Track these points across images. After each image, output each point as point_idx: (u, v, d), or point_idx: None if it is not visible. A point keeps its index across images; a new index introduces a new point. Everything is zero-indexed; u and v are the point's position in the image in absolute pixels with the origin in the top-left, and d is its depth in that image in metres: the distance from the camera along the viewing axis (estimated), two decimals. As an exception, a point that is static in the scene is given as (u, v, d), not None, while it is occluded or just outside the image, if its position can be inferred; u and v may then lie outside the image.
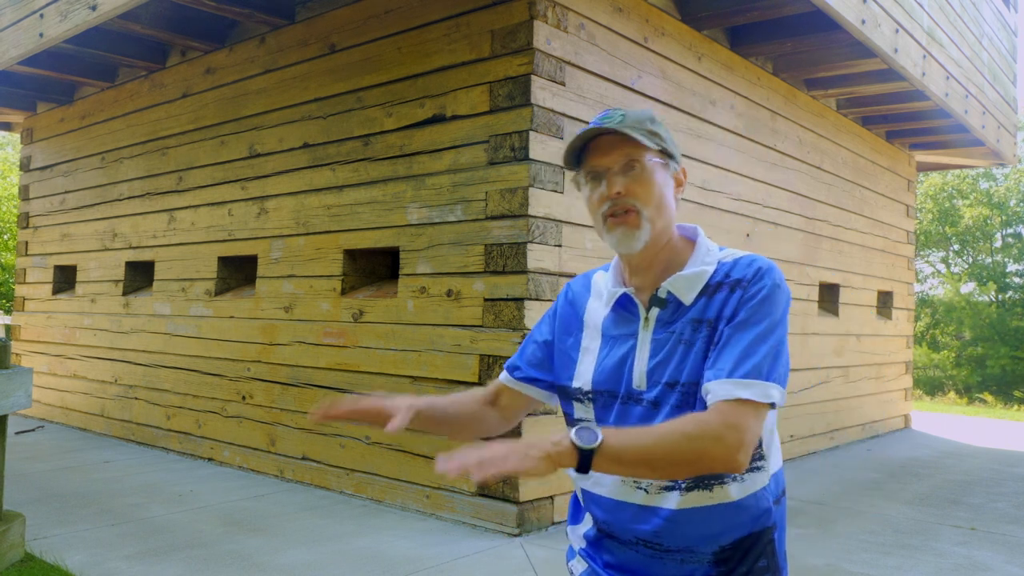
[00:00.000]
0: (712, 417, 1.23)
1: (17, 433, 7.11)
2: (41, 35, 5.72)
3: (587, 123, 4.77)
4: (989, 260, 23.03)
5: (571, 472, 1.32)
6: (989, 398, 16.57)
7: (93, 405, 7.34)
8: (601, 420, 1.43)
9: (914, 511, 5.16)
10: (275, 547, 3.99)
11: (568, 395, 1.50)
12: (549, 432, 1.32)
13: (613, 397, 1.41)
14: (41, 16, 5.70)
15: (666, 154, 1.42)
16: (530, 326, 4.29)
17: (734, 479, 1.35)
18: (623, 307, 1.44)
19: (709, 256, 1.42)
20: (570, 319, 1.54)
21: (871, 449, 7.62)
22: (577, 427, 1.22)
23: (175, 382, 6.44)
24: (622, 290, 1.44)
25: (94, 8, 5.16)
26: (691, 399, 1.33)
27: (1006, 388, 19.07)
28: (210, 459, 6.08)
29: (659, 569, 1.39)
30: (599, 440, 1.19)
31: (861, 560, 4.05)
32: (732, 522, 1.36)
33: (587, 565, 1.50)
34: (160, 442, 6.55)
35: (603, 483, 1.42)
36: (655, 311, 1.40)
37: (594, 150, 1.40)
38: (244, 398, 5.83)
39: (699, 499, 1.35)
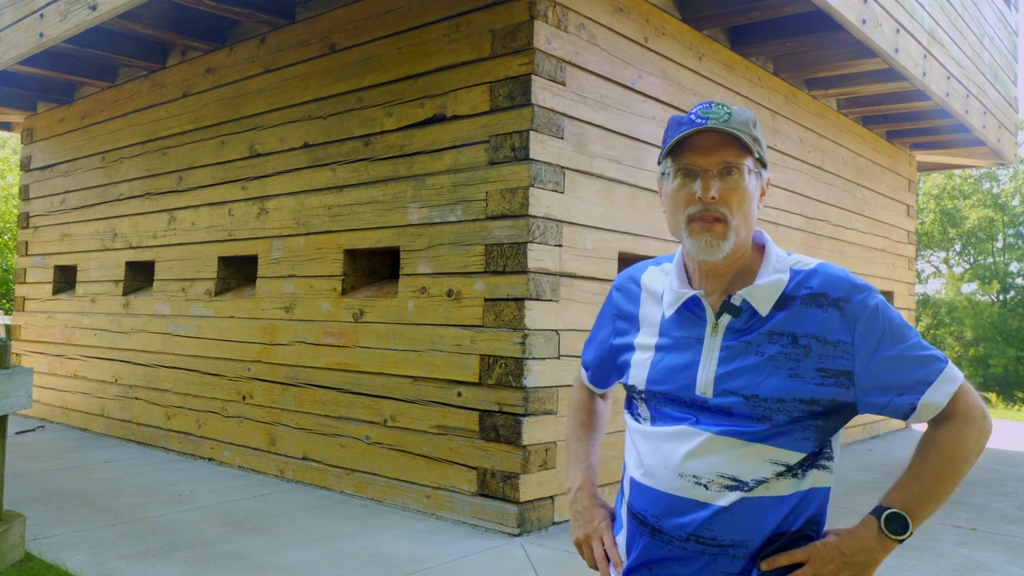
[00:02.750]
0: (963, 423, 1.31)
1: (17, 433, 7.11)
2: (41, 35, 5.72)
3: (588, 123, 4.77)
4: (991, 260, 23.01)
5: (631, 460, 1.49)
6: (993, 398, 16.55)
7: (93, 405, 7.34)
8: (657, 420, 1.41)
9: (915, 511, 5.15)
10: (275, 547, 3.99)
11: (626, 390, 1.51)
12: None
13: (671, 400, 1.38)
14: (41, 16, 5.70)
15: (761, 162, 1.37)
16: (530, 326, 4.28)
17: (794, 475, 1.32)
18: (688, 309, 1.40)
19: (780, 263, 1.37)
20: (626, 315, 1.52)
21: (872, 449, 7.61)
22: (886, 519, 1.30)
23: (175, 382, 6.44)
24: (691, 292, 1.38)
25: (94, 8, 5.16)
26: (773, 414, 1.30)
27: (1008, 389, 19.06)
28: (210, 459, 6.08)
29: (707, 568, 1.34)
30: (909, 530, 1.30)
31: (862, 560, 4.04)
32: (783, 517, 1.33)
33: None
34: (160, 442, 6.55)
35: (654, 474, 1.38)
36: (726, 318, 1.36)
37: (692, 146, 1.33)
38: (244, 398, 5.83)
39: (761, 492, 1.32)
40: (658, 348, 1.42)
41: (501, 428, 4.33)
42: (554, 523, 4.48)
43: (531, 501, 4.32)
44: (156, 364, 6.64)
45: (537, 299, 4.33)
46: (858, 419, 8.01)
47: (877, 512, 1.30)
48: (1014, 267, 22.37)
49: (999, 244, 23.11)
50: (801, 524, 1.35)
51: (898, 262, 8.98)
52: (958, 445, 1.30)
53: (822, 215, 7.30)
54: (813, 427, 1.31)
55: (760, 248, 1.41)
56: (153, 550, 3.90)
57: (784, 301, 1.33)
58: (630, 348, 1.48)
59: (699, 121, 1.32)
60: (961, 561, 4.09)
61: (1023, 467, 6.94)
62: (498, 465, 4.34)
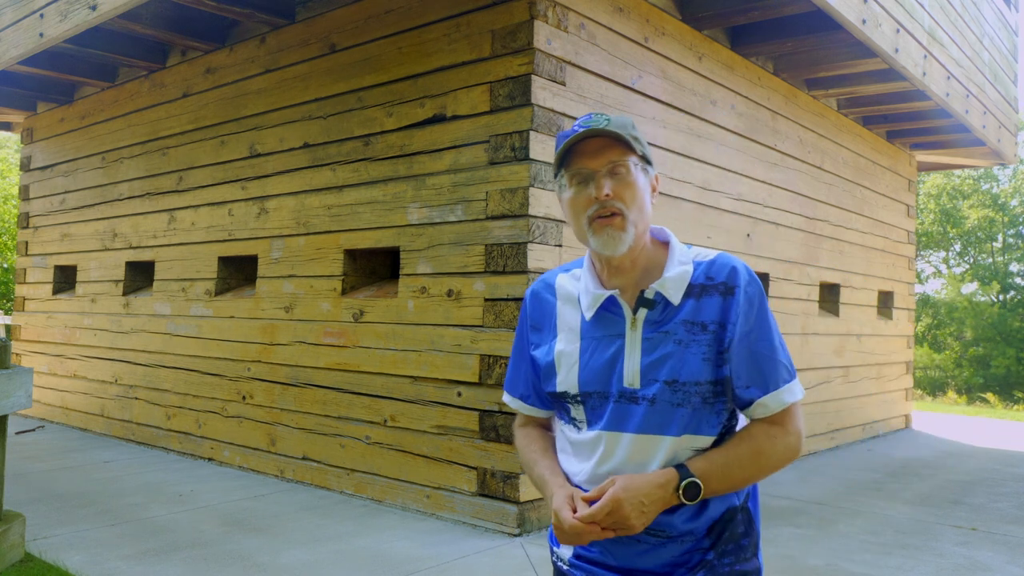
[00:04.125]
0: (781, 432, 1.43)
1: (17, 433, 7.11)
2: (41, 35, 5.72)
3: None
4: (990, 260, 23.02)
5: (569, 468, 1.51)
6: (992, 398, 16.56)
7: (93, 405, 7.34)
8: (593, 420, 1.46)
9: (915, 511, 5.15)
10: (275, 547, 3.99)
11: (556, 398, 1.53)
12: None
13: (604, 397, 1.45)
14: (41, 16, 5.70)
15: (645, 159, 1.47)
16: (530, 326, 4.28)
17: None
18: (606, 309, 1.47)
19: (683, 256, 1.47)
20: (543, 324, 1.57)
21: (872, 449, 7.61)
22: (686, 485, 1.36)
23: (175, 382, 6.44)
24: (608, 293, 1.46)
25: (94, 8, 5.16)
26: (691, 397, 1.40)
27: (1008, 389, 19.06)
28: (210, 459, 6.08)
29: (659, 556, 1.43)
30: (701, 490, 1.37)
31: (861, 560, 4.05)
32: (724, 496, 1.45)
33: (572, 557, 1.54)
34: (160, 442, 6.55)
35: (599, 480, 1.44)
36: (643, 312, 1.44)
37: (580, 153, 1.43)
38: (244, 398, 5.83)
39: None
40: (583, 350, 1.48)
41: (501, 428, 4.33)
42: (554, 523, 4.48)
43: (531, 501, 4.32)
44: (156, 364, 6.64)
45: (537, 299, 4.32)
46: (858, 419, 8.00)
47: (681, 473, 1.37)
48: (1014, 267, 22.37)
49: (999, 244, 23.11)
50: (742, 498, 1.48)
51: (898, 262, 8.98)
52: (768, 445, 1.42)
53: (822, 215, 7.30)
54: (720, 406, 1.43)
55: (664, 244, 1.51)
56: (153, 550, 3.90)
57: (691, 291, 1.43)
58: (550, 355, 1.52)
59: (580, 129, 1.42)
60: (961, 561, 4.09)
61: (1023, 467, 6.94)
62: (498, 465, 4.34)
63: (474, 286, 4.49)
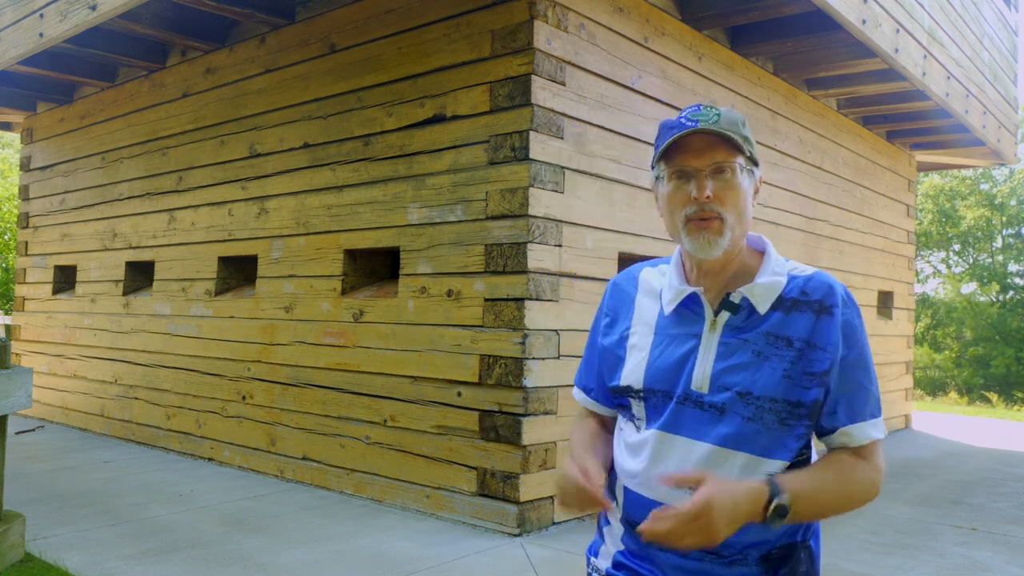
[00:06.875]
0: (866, 466, 1.34)
1: (17, 433, 7.11)
2: (41, 35, 5.72)
3: (588, 123, 4.77)
4: (990, 260, 23.03)
5: (625, 469, 1.45)
6: (993, 398, 16.57)
7: (93, 405, 7.34)
8: (652, 419, 1.40)
9: (915, 511, 5.15)
10: (275, 547, 3.99)
11: (619, 393, 1.47)
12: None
13: (668, 396, 1.38)
14: (41, 16, 5.70)
15: (752, 161, 1.39)
16: (530, 326, 4.29)
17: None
18: (686, 306, 1.41)
19: (779, 267, 1.40)
20: (618, 315, 1.51)
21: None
22: (776, 507, 1.23)
23: (175, 382, 6.44)
24: (691, 289, 1.40)
25: (94, 8, 5.16)
26: (764, 413, 1.32)
27: (1008, 389, 19.07)
28: (210, 459, 6.07)
29: (707, 573, 1.37)
30: (788, 513, 1.24)
31: (861, 560, 4.05)
32: (783, 529, 1.35)
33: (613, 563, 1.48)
34: (160, 442, 6.55)
35: (651, 485, 1.38)
36: (725, 315, 1.37)
37: (684, 148, 1.35)
38: (244, 398, 5.83)
39: None
40: (655, 345, 1.42)
41: (501, 428, 4.33)
42: (554, 523, 4.48)
43: (531, 501, 4.32)
44: (156, 364, 6.64)
45: (537, 299, 4.33)
46: (858, 419, 8.00)
47: (772, 489, 1.25)
48: (1013, 267, 22.38)
49: (997, 244, 23.12)
50: (804, 534, 1.39)
51: (898, 262, 8.98)
52: (855, 476, 1.34)
53: (822, 215, 7.30)
54: (801, 430, 1.34)
55: (760, 253, 1.44)
56: (153, 550, 3.90)
57: (780, 303, 1.35)
58: (621, 347, 1.47)
59: (689, 124, 1.34)
60: (961, 561, 4.09)
61: (1023, 467, 6.94)
62: (498, 465, 4.34)
63: (474, 286, 4.49)
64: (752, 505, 1.23)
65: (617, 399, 1.49)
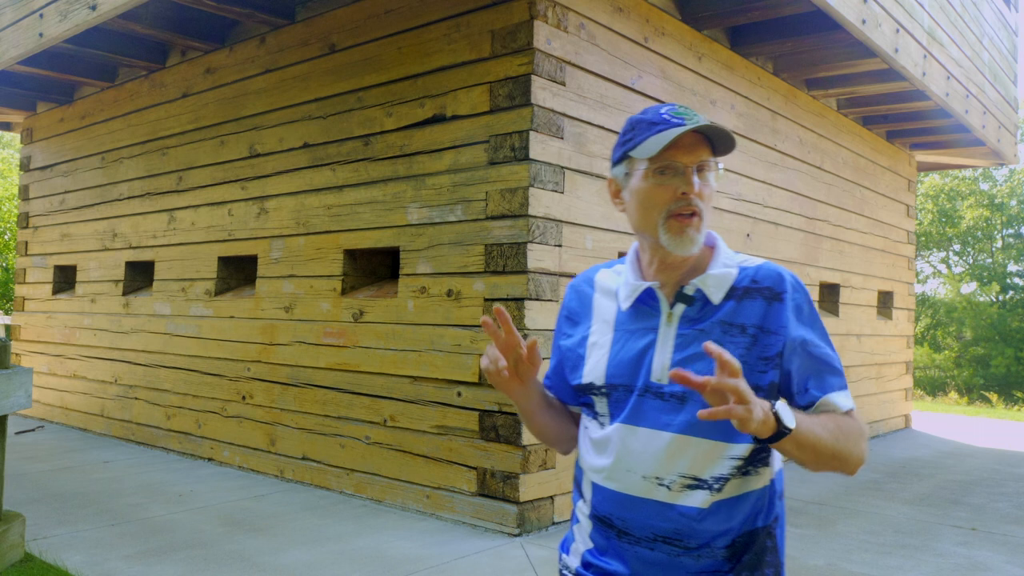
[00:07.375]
0: (855, 423, 1.36)
1: (17, 433, 7.11)
2: (41, 35, 5.72)
3: (588, 123, 4.76)
4: (990, 260, 23.03)
5: (591, 465, 1.48)
6: (993, 398, 16.57)
7: (93, 405, 7.34)
8: (615, 415, 1.43)
9: (914, 511, 5.16)
10: (275, 547, 3.99)
11: (582, 391, 1.50)
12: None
13: (628, 390, 1.42)
14: (41, 16, 5.70)
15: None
16: (530, 326, 4.29)
17: (746, 472, 1.38)
18: (643, 301, 1.45)
19: (729, 259, 1.45)
20: (578, 316, 1.55)
21: (872, 449, 7.61)
22: (779, 404, 1.24)
23: (175, 382, 6.44)
24: (646, 284, 1.44)
25: (94, 8, 5.16)
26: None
27: (1008, 389, 19.07)
28: (210, 459, 6.08)
29: (675, 568, 1.38)
30: (794, 425, 1.25)
31: (861, 560, 4.05)
32: (746, 516, 1.39)
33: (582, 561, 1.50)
34: (160, 442, 6.55)
35: (618, 478, 1.41)
36: (680, 307, 1.41)
37: (673, 144, 1.37)
38: (244, 398, 5.83)
39: (726, 493, 1.37)
40: (614, 342, 1.46)
41: (501, 428, 4.33)
42: (554, 523, 4.48)
43: (531, 501, 4.32)
44: (156, 364, 6.64)
45: (537, 299, 4.33)
46: (858, 419, 8.00)
47: (776, 408, 1.25)
48: (1012, 267, 22.38)
49: (997, 244, 23.12)
50: (766, 519, 1.42)
51: (898, 262, 8.98)
52: (847, 426, 1.34)
53: (822, 215, 7.30)
54: None
55: (710, 248, 1.48)
56: (153, 550, 3.90)
57: (733, 293, 1.40)
58: (582, 347, 1.51)
59: (676, 120, 1.36)
60: (961, 561, 4.09)
61: (1023, 467, 6.94)
62: (498, 465, 4.34)
63: (474, 286, 4.49)
64: (764, 413, 1.21)
65: (581, 398, 1.53)
